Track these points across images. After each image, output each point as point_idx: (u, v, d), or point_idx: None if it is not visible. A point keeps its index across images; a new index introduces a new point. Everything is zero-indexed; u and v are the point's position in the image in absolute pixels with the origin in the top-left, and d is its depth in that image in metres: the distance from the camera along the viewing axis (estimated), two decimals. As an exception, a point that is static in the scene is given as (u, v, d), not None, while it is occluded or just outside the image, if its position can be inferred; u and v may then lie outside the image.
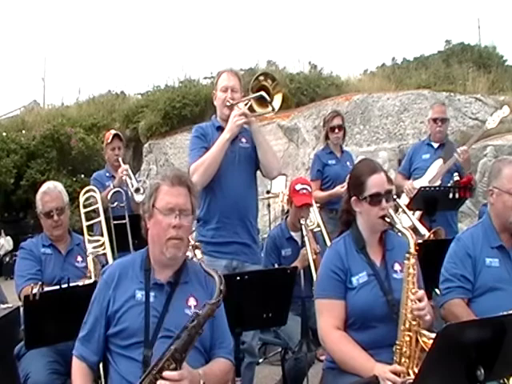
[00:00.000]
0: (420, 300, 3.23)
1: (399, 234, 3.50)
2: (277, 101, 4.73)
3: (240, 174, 4.72)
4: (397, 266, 3.49)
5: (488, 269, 3.77)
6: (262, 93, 4.65)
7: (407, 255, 3.30)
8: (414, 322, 3.22)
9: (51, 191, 4.73)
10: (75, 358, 3.07)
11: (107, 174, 7.10)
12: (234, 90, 4.75)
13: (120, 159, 6.96)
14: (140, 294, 3.05)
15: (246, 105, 4.69)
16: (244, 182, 4.76)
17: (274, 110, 4.72)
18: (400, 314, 3.26)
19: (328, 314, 3.44)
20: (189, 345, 2.75)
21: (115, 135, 7.15)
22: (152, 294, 3.06)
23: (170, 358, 2.72)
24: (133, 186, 6.63)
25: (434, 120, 6.73)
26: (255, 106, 4.73)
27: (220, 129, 4.73)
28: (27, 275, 4.47)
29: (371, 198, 3.45)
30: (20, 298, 4.36)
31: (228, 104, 4.70)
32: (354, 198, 3.55)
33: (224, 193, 4.64)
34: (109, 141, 7.12)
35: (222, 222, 4.64)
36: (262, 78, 4.80)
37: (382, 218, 3.45)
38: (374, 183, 3.47)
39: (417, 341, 3.22)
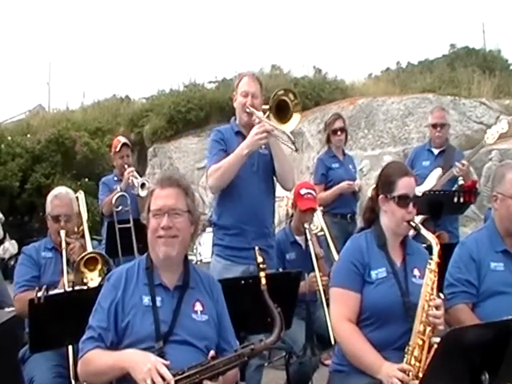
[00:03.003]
0: (437, 308, 3.26)
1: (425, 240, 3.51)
2: (294, 120, 4.69)
3: (258, 181, 4.70)
4: (416, 272, 3.52)
5: (493, 273, 3.76)
6: (287, 132, 4.61)
7: (430, 260, 3.33)
8: (428, 328, 3.24)
9: (63, 197, 4.73)
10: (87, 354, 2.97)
11: (115, 179, 7.19)
12: (254, 96, 4.70)
13: (126, 166, 7.03)
14: (147, 299, 3.05)
15: (264, 113, 4.66)
16: (262, 189, 4.74)
17: (289, 128, 4.67)
18: (417, 315, 3.27)
19: (342, 305, 3.47)
20: (229, 365, 2.86)
21: (124, 144, 7.19)
22: (158, 298, 3.06)
23: (211, 368, 2.82)
24: (139, 184, 6.70)
25: (434, 126, 6.75)
26: (272, 119, 4.65)
27: (239, 134, 4.73)
28: (22, 282, 4.47)
29: (399, 199, 3.48)
30: (14, 305, 4.38)
31: (248, 111, 4.67)
32: (381, 195, 3.57)
33: (242, 200, 4.63)
34: (117, 149, 7.17)
35: (239, 228, 4.62)
36: (292, 96, 4.70)
37: (408, 222, 3.47)
38: (405, 185, 3.51)
39: (429, 347, 3.22)
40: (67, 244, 4.54)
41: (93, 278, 4.41)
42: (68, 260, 4.50)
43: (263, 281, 3.23)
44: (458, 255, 3.90)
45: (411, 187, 3.54)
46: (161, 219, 3.05)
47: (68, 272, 4.41)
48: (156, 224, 3.06)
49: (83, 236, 4.81)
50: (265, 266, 3.33)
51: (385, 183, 3.59)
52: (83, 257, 4.42)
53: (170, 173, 3.28)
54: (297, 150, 4.57)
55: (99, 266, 4.47)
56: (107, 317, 3.00)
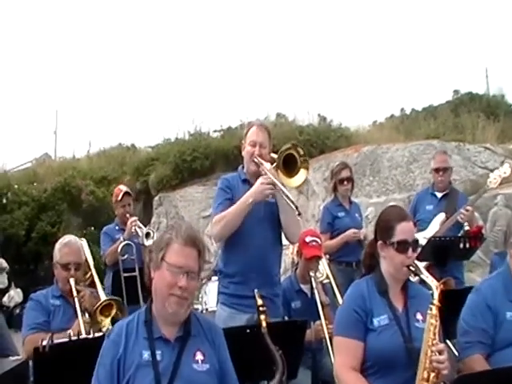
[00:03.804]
0: (440, 353, 3.21)
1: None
2: (301, 175, 4.70)
3: (265, 230, 4.68)
4: (419, 316, 3.49)
5: (509, 323, 3.70)
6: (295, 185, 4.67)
7: (430, 305, 3.28)
8: (432, 374, 3.19)
9: (72, 244, 4.73)
10: None
11: (117, 228, 7.17)
12: (262, 146, 4.71)
13: (128, 215, 7.03)
14: (147, 355, 3.01)
15: (272, 163, 4.66)
16: (268, 237, 4.71)
17: (295, 183, 4.70)
18: (420, 361, 3.23)
19: (345, 354, 3.44)
20: None
21: (126, 193, 7.20)
22: (158, 352, 3.02)
23: None
24: (143, 233, 6.69)
25: (436, 170, 6.73)
26: (279, 173, 4.63)
27: (246, 182, 4.74)
28: (32, 324, 4.45)
29: (398, 245, 3.46)
30: (23, 348, 4.35)
31: (256, 160, 4.69)
32: (380, 241, 3.56)
33: (247, 248, 4.61)
34: (119, 198, 7.17)
35: (244, 276, 4.59)
36: (301, 151, 4.66)
37: (407, 267, 3.45)
38: (403, 230, 3.49)
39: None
40: (77, 292, 4.54)
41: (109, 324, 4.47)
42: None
43: (264, 323, 3.21)
44: (473, 302, 3.84)
45: (410, 232, 3.53)
46: (178, 277, 3.00)
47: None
48: (173, 280, 3.01)
49: (90, 284, 4.83)
50: (265, 308, 3.33)
51: (383, 229, 3.58)
52: (99, 306, 4.47)
53: (193, 231, 3.20)
54: (300, 215, 4.49)
55: (113, 311, 4.50)
56: (110, 375, 2.97)
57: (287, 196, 4.44)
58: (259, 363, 3.42)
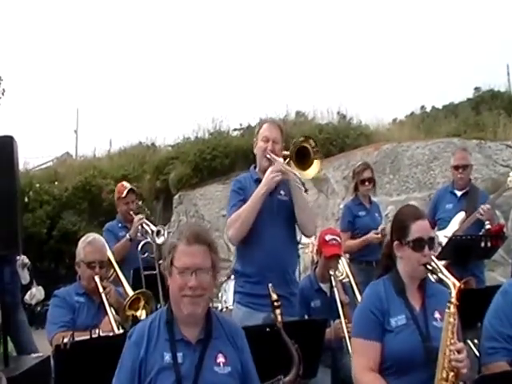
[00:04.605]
0: (459, 352, 3.19)
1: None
2: (315, 167, 4.71)
3: (278, 227, 4.71)
4: (437, 314, 3.47)
5: None
6: (297, 174, 4.61)
7: (448, 304, 3.27)
8: (451, 373, 3.18)
9: (96, 243, 4.79)
10: None
11: (119, 225, 7.14)
12: (274, 142, 4.76)
13: (131, 212, 7.02)
14: (168, 357, 3.01)
15: (285, 159, 4.69)
16: (282, 234, 4.74)
17: (309, 174, 4.71)
18: (438, 361, 3.22)
19: (363, 355, 3.44)
20: None
21: (130, 190, 7.17)
22: (180, 354, 3.02)
23: None
24: (152, 232, 6.66)
25: (456, 167, 6.70)
26: (293, 165, 4.67)
27: (258, 181, 4.75)
28: (60, 322, 4.49)
29: (414, 244, 3.46)
30: (51, 345, 4.36)
31: (268, 156, 4.71)
32: (396, 242, 3.56)
33: (262, 246, 4.64)
34: (123, 195, 7.13)
35: (260, 275, 4.60)
36: (312, 143, 4.72)
37: (424, 265, 3.44)
38: (418, 229, 3.49)
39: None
40: (103, 288, 4.59)
41: (141, 315, 4.60)
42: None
43: (279, 318, 3.21)
44: (500, 305, 3.66)
45: (425, 230, 3.52)
46: (188, 277, 3.00)
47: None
48: (183, 282, 3.01)
49: (113, 281, 4.91)
50: (279, 303, 3.33)
51: (398, 228, 3.58)
52: (128, 301, 4.60)
53: (197, 229, 3.17)
54: (306, 191, 4.55)
55: (142, 303, 4.63)
56: (131, 376, 2.99)
57: (295, 175, 4.51)
58: (279, 362, 3.41)
